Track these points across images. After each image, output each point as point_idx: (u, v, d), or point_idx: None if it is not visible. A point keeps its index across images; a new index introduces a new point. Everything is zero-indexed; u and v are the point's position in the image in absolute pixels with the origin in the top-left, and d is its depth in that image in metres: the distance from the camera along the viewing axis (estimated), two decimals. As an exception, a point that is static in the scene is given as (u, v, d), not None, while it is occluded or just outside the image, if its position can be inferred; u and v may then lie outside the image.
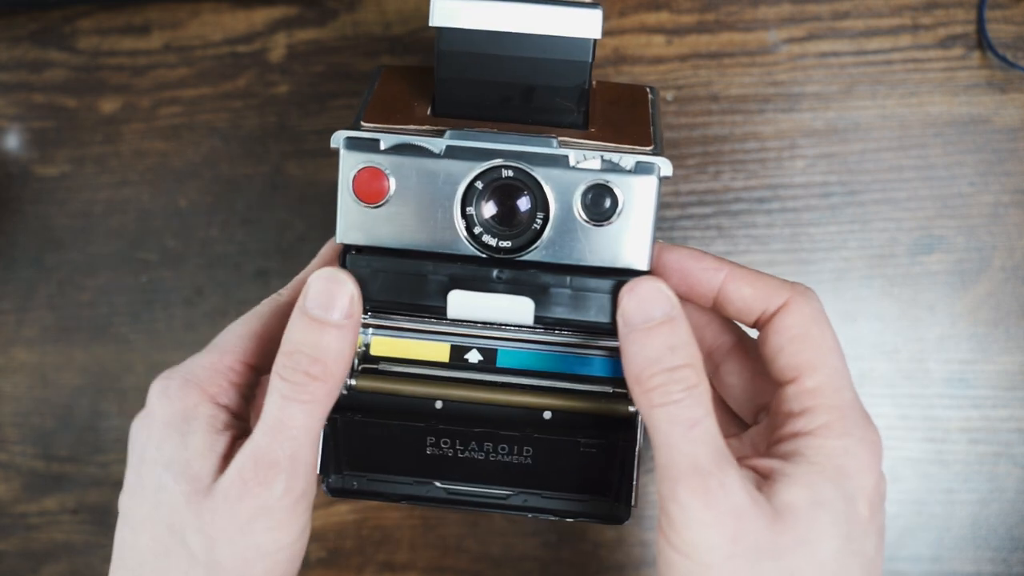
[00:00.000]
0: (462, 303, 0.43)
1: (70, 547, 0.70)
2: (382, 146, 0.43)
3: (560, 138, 0.43)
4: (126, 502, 0.44)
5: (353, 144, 0.43)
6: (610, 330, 0.43)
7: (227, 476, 0.41)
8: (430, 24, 0.44)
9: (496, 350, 0.46)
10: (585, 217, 0.42)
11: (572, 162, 0.42)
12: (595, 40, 0.44)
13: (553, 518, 0.46)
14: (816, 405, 0.42)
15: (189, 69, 0.68)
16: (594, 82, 0.47)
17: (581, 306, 0.43)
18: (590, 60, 0.44)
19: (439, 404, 0.46)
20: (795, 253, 0.66)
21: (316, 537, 0.69)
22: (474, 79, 0.45)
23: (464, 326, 0.45)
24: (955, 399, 0.66)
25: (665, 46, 0.66)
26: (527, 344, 0.46)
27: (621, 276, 0.43)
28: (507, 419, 0.46)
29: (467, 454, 0.46)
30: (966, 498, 0.66)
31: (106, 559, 0.45)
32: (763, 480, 0.41)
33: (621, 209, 0.42)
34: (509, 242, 0.43)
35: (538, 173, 0.42)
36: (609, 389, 0.46)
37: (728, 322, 0.48)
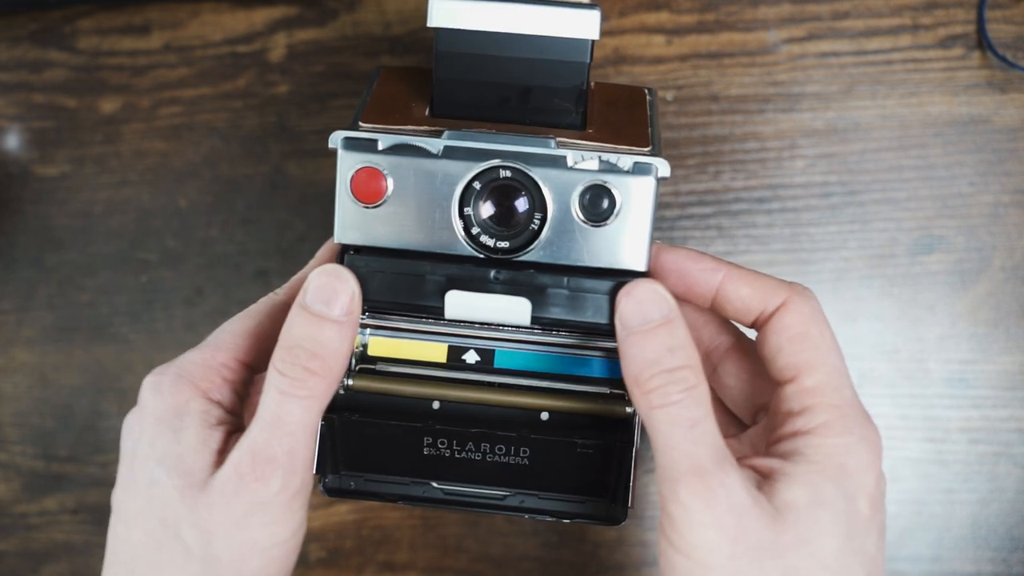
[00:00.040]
0: (459, 303, 0.43)
1: (70, 547, 0.70)
2: (380, 146, 0.43)
3: (558, 139, 0.43)
4: (119, 497, 0.44)
5: (351, 144, 0.43)
6: (607, 331, 0.43)
7: (223, 471, 0.41)
8: (428, 25, 0.44)
9: (493, 351, 0.46)
10: (583, 218, 0.42)
11: (570, 162, 0.42)
12: (593, 41, 0.44)
13: (550, 519, 0.46)
14: (816, 404, 0.42)
15: (189, 69, 0.68)
16: (592, 83, 0.47)
17: (578, 307, 0.43)
18: (588, 61, 0.44)
19: (436, 404, 0.46)
20: (795, 253, 0.66)
21: (316, 537, 0.69)
22: (472, 80, 0.45)
23: (461, 327, 0.45)
24: (955, 399, 0.66)
25: (665, 46, 0.66)
26: (524, 345, 0.46)
27: (619, 277, 0.43)
28: (504, 420, 0.46)
29: (464, 455, 0.46)
30: (966, 498, 0.66)
31: (106, 559, 0.45)
32: (763, 480, 0.41)
33: (619, 210, 0.42)
34: (507, 242, 0.43)
35: (536, 173, 0.42)
36: (606, 390, 0.46)
37: (726, 322, 0.48)
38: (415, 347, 0.46)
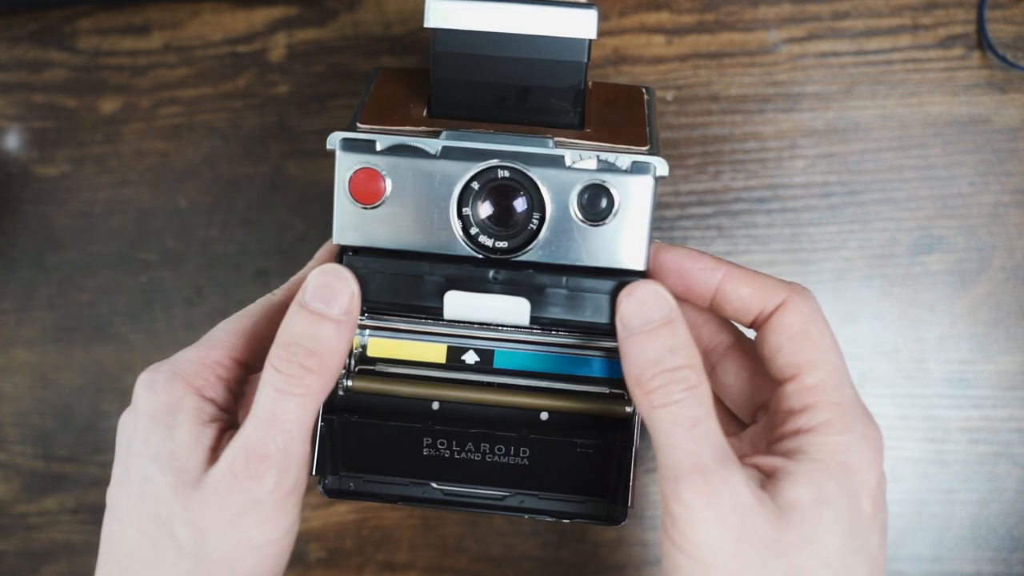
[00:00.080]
0: (458, 304, 0.43)
1: (70, 547, 0.70)
2: (378, 147, 0.43)
3: (556, 138, 0.43)
4: (113, 495, 0.44)
5: (349, 145, 0.43)
6: (606, 330, 0.43)
7: (217, 468, 0.41)
8: (425, 26, 0.44)
9: (493, 351, 0.46)
10: (581, 217, 0.42)
11: (568, 162, 0.42)
12: (590, 40, 0.44)
13: (550, 519, 0.46)
14: (817, 402, 0.42)
15: (189, 69, 0.68)
16: (590, 82, 0.47)
17: (577, 306, 0.43)
18: (586, 60, 0.44)
19: (436, 405, 0.46)
20: (795, 253, 0.66)
21: (316, 537, 0.69)
22: (470, 80, 0.45)
23: (461, 327, 0.45)
24: (955, 399, 0.66)
25: (665, 46, 0.66)
26: (523, 345, 0.46)
27: (618, 276, 0.43)
28: (504, 420, 0.46)
29: (464, 455, 0.46)
30: (966, 498, 0.66)
31: (106, 559, 0.45)
32: (766, 479, 0.41)
33: (617, 209, 0.42)
34: (505, 242, 0.43)
35: (534, 173, 0.42)
36: (606, 390, 0.46)
37: (725, 322, 0.48)
38: (414, 348, 0.46)
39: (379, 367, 0.46)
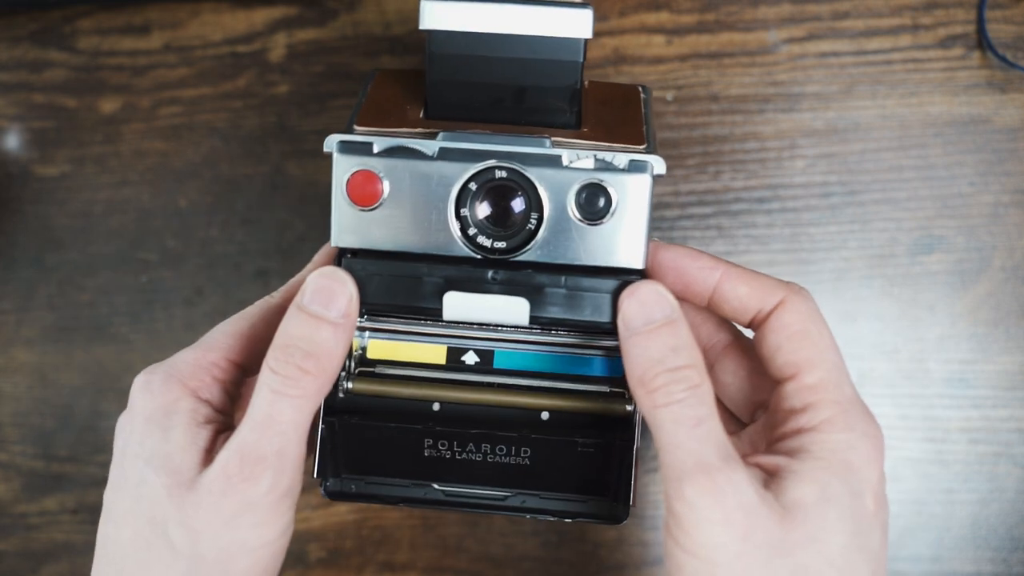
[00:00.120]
0: (458, 305, 0.43)
1: (70, 547, 0.70)
2: (375, 149, 0.43)
3: (553, 138, 0.43)
4: (109, 497, 0.44)
5: (346, 148, 0.43)
6: (606, 329, 0.43)
7: (212, 470, 0.41)
8: (420, 27, 0.44)
9: (493, 351, 0.46)
10: (579, 216, 0.42)
11: (565, 162, 0.42)
12: (586, 40, 0.44)
13: (552, 518, 0.46)
14: (818, 400, 0.42)
15: (189, 69, 0.68)
16: (586, 82, 0.47)
17: (576, 306, 0.43)
18: (581, 60, 0.44)
19: (436, 406, 0.46)
20: (795, 253, 0.66)
21: (316, 537, 0.69)
22: (466, 81, 0.45)
23: (460, 328, 0.45)
24: (955, 399, 0.66)
25: (665, 46, 0.66)
26: (523, 345, 0.46)
27: (616, 275, 0.43)
28: (504, 420, 0.46)
29: (465, 456, 0.45)
30: (966, 498, 0.66)
31: (106, 559, 0.45)
32: (769, 477, 0.41)
33: (615, 208, 0.42)
34: (504, 243, 0.43)
35: (532, 173, 0.42)
36: (606, 388, 0.46)
37: (723, 321, 0.48)
38: (414, 349, 0.46)
39: (379, 369, 0.46)
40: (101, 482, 0.44)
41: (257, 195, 0.68)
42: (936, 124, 0.65)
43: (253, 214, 0.68)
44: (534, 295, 0.43)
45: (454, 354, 0.46)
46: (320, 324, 0.41)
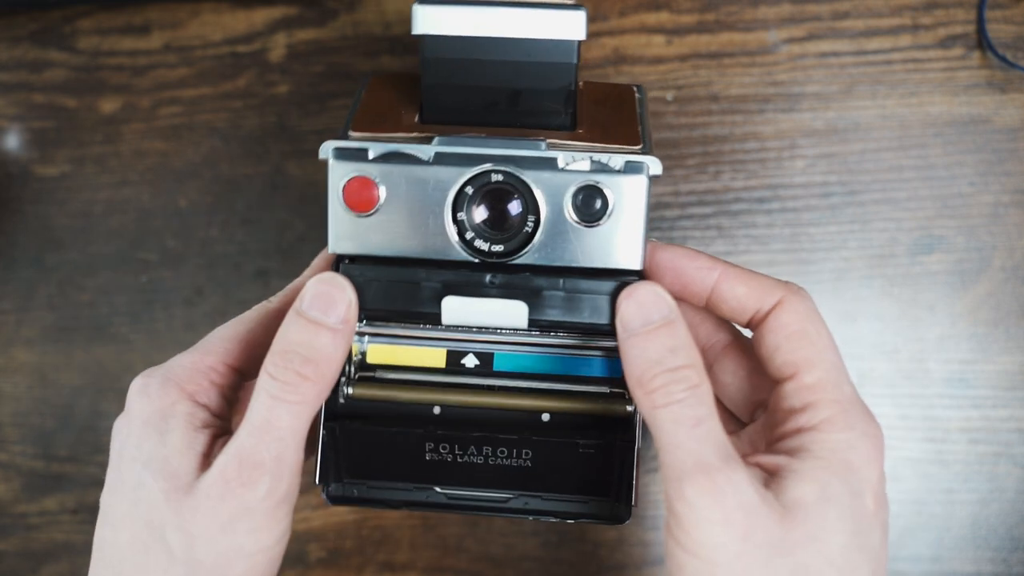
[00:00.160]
0: (456, 309, 0.43)
1: (70, 547, 0.70)
2: (370, 155, 0.42)
3: (548, 140, 0.43)
4: (106, 500, 0.44)
5: (342, 154, 0.43)
6: (605, 331, 0.43)
7: (209, 475, 0.41)
8: (413, 33, 0.44)
9: (492, 354, 0.46)
10: (576, 218, 0.42)
11: (561, 164, 0.42)
12: (580, 41, 0.44)
13: (554, 520, 0.46)
14: (817, 400, 0.42)
15: (189, 69, 0.68)
16: (581, 82, 0.47)
17: (575, 308, 0.43)
18: (575, 62, 0.44)
19: (437, 410, 0.46)
20: (795, 253, 0.66)
21: (316, 537, 0.69)
22: (460, 85, 0.45)
23: (459, 331, 0.45)
24: (955, 399, 0.66)
25: (665, 46, 0.66)
26: (523, 347, 0.45)
27: (614, 276, 0.43)
28: (505, 422, 0.46)
29: (466, 458, 0.45)
30: (966, 498, 0.66)
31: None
32: (769, 477, 0.41)
33: (612, 209, 0.42)
34: (501, 246, 0.43)
35: (528, 176, 0.42)
36: (606, 389, 0.46)
37: (721, 321, 0.48)
38: (414, 353, 0.46)
39: (379, 373, 0.46)
40: (101, 482, 0.44)
41: (257, 195, 0.68)
42: (936, 124, 0.65)
43: (253, 214, 0.68)
44: (532, 298, 0.43)
45: (454, 357, 0.46)
46: (319, 330, 0.41)
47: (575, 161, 0.42)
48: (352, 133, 0.44)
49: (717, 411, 0.40)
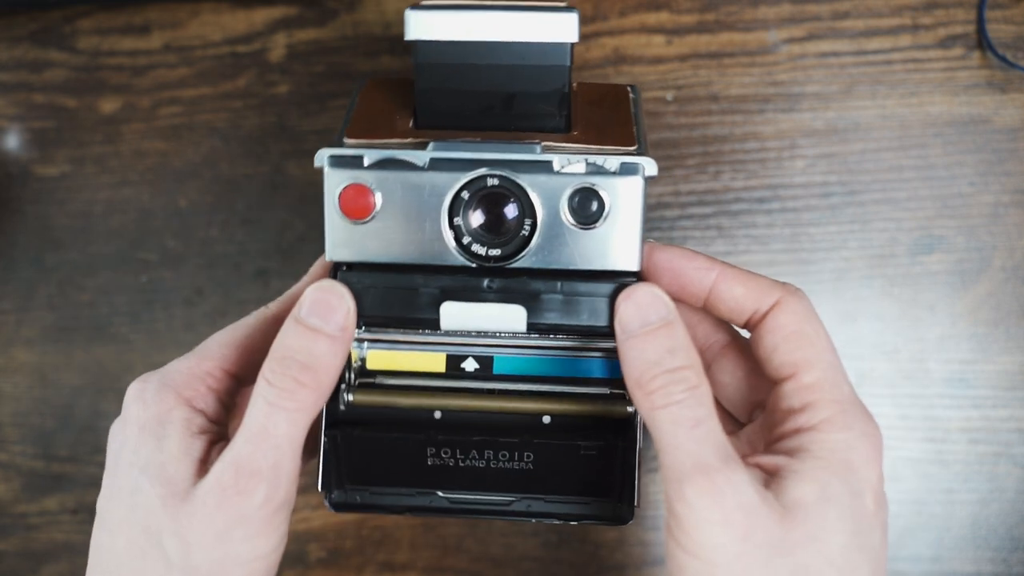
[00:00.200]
0: (455, 314, 0.43)
1: (70, 547, 0.70)
2: (366, 162, 0.42)
3: (543, 143, 0.43)
4: (103, 505, 0.44)
5: (337, 162, 0.43)
6: (604, 333, 0.43)
7: (206, 482, 0.41)
8: (406, 39, 0.44)
9: (492, 357, 0.46)
10: (573, 221, 0.42)
11: (556, 167, 0.42)
12: (572, 44, 0.44)
13: (557, 522, 0.46)
14: (816, 400, 0.42)
15: (189, 69, 0.68)
16: (575, 83, 0.46)
17: (573, 310, 0.43)
18: (569, 64, 0.44)
19: (438, 414, 0.46)
20: (795, 253, 0.66)
21: (316, 537, 0.69)
22: (454, 89, 0.44)
23: (459, 335, 0.45)
24: (955, 399, 0.66)
25: (665, 46, 0.66)
26: (522, 350, 0.45)
27: (612, 278, 0.43)
28: (506, 426, 0.45)
29: (468, 463, 0.45)
30: (966, 498, 0.66)
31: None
32: (769, 477, 0.41)
33: (608, 211, 0.42)
34: (498, 250, 0.43)
35: (523, 180, 0.42)
36: (606, 390, 0.46)
37: (719, 321, 0.48)
38: (413, 358, 0.46)
39: (379, 379, 0.46)
40: (101, 482, 0.44)
41: (257, 195, 0.68)
42: (936, 124, 0.65)
43: (253, 214, 0.68)
44: (531, 302, 0.43)
45: (453, 361, 0.46)
46: (317, 337, 0.41)
47: (570, 164, 0.42)
48: (347, 140, 0.44)
49: (716, 412, 0.40)
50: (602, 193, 0.42)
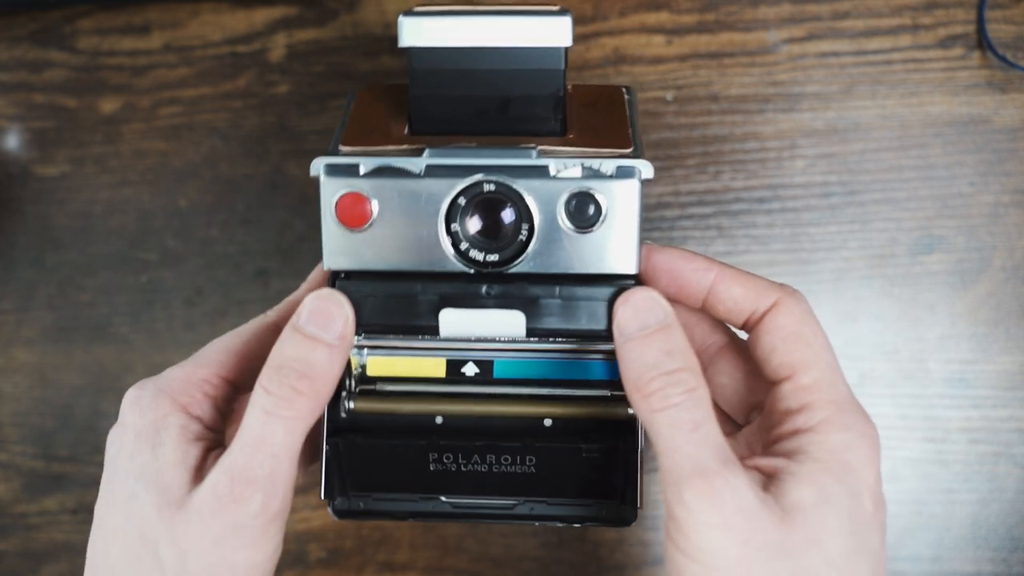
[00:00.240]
0: (454, 321, 0.43)
1: (70, 547, 0.70)
2: (362, 171, 0.42)
3: (539, 147, 0.42)
4: (100, 511, 0.44)
5: (333, 170, 0.42)
6: (603, 336, 0.43)
7: (202, 490, 0.41)
8: (399, 46, 0.44)
9: (492, 361, 0.45)
10: (570, 225, 0.42)
11: (552, 172, 0.42)
12: (566, 48, 0.44)
13: (560, 524, 0.46)
14: (814, 401, 0.42)
15: (189, 69, 0.68)
16: (569, 86, 0.46)
17: (572, 315, 0.43)
18: (563, 68, 0.44)
19: (439, 420, 0.46)
20: (795, 253, 0.66)
21: (316, 537, 0.69)
22: (449, 95, 0.44)
23: (458, 339, 0.45)
24: (955, 399, 0.66)
25: (665, 46, 0.66)
26: (522, 353, 0.45)
27: (610, 282, 0.43)
28: (507, 430, 0.45)
29: (470, 467, 0.45)
30: (966, 498, 0.66)
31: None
32: (768, 480, 0.41)
33: (605, 215, 0.42)
34: (496, 255, 0.43)
35: (520, 185, 0.42)
36: (607, 392, 0.45)
37: (717, 323, 0.48)
38: (413, 363, 0.45)
39: (380, 386, 0.46)
40: (100, 483, 0.44)
41: (257, 195, 0.68)
42: (936, 124, 0.65)
43: (253, 214, 0.68)
44: (529, 307, 0.43)
45: (453, 366, 0.46)
46: (316, 345, 0.41)
47: (566, 168, 0.42)
48: (342, 147, 0.44)
49: (715, 414, 0.40)
50: (599, 197, 0.42)
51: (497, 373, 0.45)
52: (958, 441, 0.66)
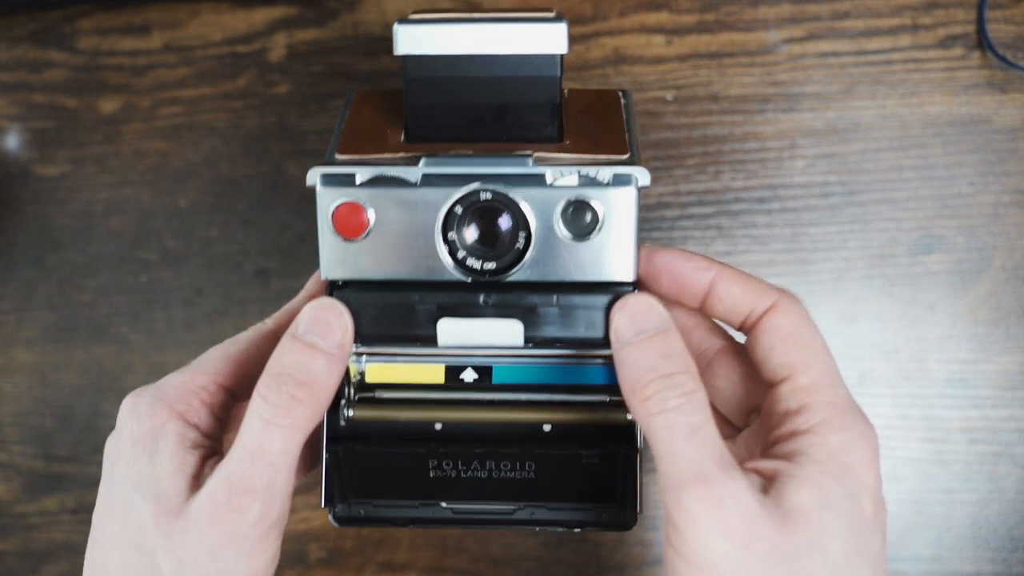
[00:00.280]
0: (452, 331, 0.43)
1: (70, 547, 0.70)
2: (358, 180, 0.42)
3: (536, 155, 0.42)
4: (98, 519, 0.44)
5: (329, 180, 0.42)
6: (601, 344, 0.43)
7: (199, 499, 0.41)
8: (395, 53, 0.43)
9: (491, 367, 0.45)
10: (567, 233, 0.42)
11: (549, 180, 0.42)
12: (562, 55, 0.44)
13: (561, 529, 0.46)
14: (813, 401, 0.42)
15: (189, 69, 0.68)
16: (565, 91, 0.46)
17: (570, 323, 0.43)
18: (559, 74, 0.44)
19: (438, 426, 0.46)
20: (795, 253, 0.66)
21: (316, 537, 0.69)
22: (445, 103, 0.44)
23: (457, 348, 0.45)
24: (955, 399, 0.66)
25: (665, 46, 0.66)
26: (521, 359, 0.45)
27: (608, 289, 0.43)
28: (507, 435, 0.45)
29: (470, 473, 0.45)
30: (966, 498, 0.66)
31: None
32: (767, 483, 0.41)
33: (602, 223, 0.42)
34: (493, 263, 0.42)
35: (516, 193, 0.42)
36: (606, 397, 0.45)
37: (715, 326, 0.48)
38: (412, 370, 0.45)
39: (379, 393, 0.46)
40: (100, 482, 0.44)
41: (257, 195, 0.68)
42: (936, 124, 0.65)
43: (253, 214, 0.68)
44: (527, 316, 0.43)
45: (452, 372, 0.45)
46: (314, 354, 0.41)
47: (563, 176, 0.42)
48: (338, 156, 0.44)
49: (713, 417, 0.40)
50: (595, 205, 0.42)
51: (496, 379, 0.45)
52: (958, 441, 0.66)
